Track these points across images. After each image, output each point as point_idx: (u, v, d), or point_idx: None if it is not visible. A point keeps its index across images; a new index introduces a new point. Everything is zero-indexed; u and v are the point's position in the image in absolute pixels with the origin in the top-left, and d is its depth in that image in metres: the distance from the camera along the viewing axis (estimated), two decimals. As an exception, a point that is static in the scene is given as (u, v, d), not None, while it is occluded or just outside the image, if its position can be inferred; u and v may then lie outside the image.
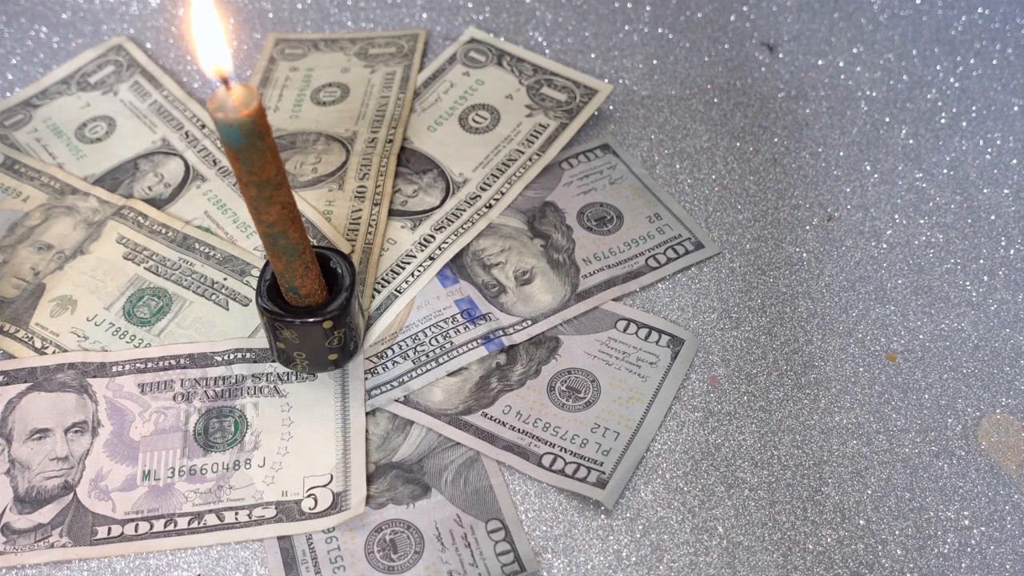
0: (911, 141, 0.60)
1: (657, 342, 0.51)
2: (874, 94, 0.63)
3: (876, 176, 0.59)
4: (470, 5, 0.68)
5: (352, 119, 0.60)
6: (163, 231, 0.54)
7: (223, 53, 0.40)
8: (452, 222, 0.55)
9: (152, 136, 0.60)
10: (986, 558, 0.45)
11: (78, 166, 0.58)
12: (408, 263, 0.53)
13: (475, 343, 0.50)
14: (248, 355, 0.50)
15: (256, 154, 0.38)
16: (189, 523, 0.45)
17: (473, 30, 0.65)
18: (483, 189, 0.56)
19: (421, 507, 0.46)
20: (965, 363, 0.51)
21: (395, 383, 0.49)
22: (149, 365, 0.49)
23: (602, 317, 0.52)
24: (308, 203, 0.55)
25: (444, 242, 0.54)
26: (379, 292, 0.52)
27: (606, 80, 0.63)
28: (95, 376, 0.49)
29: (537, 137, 0.59)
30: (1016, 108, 0.62)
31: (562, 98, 0.61)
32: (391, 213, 0.55)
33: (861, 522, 0.46)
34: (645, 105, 0.62)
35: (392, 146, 0.58)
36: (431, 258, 0.53)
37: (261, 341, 0.50)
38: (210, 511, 0.45)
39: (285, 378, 0.49)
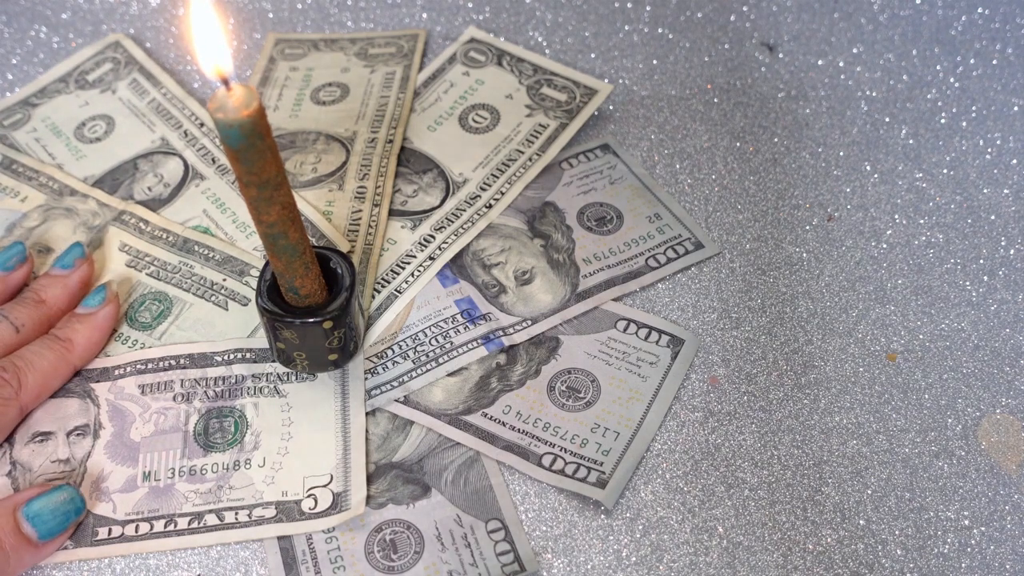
0: (911, 141, 0.60)
1: (657, 342, 0.51)
2: (874, 94, 0.63)
3: (876, 176, 0.59)
4: (470, 5, 0.68)
5: (352, 119, 0.60)
6: (164, 236, 0.54)
7: (223, 53, 0.40)
8: (452, 222, 0.55)
9: (151, 135, 0.60)
10: (986, 558, 0.45)
11: (77, 166, 0.58)
12: (408, 263, 0.53)
13: (475, 343, 0.50)
14: (248, 355, 0.49)
15: (256, 154, 0.38)
16: (189, 523, 0.45)
17: (473, 30, 0.65)
18: (483, 189, 0.56)
19: (421, 507, 0.46)
20: (965, 363, 0.51)
21: (395, 383, 0.49)
22: (149, 366, 0.49)
23: (602, 317, 0.52)
24: (308, 203, 0.55)
25: (444, 242, 0.54)
26: (379, 292, 0.52)
27: (606, 80, 0.63)
28: (98, 381, 0.49)
29: (537, 137, 0.59)
30: (1016, 108, 0.62)
31: (562, 98, 0.61)
32: (391, 213, 0.55)
33: (861, 522, 0.46)
34: (645, 105, 0.62)
35: (392, 146, 0.58)
36: (431, 258, 0.53)
37: (261, 341, 0.50)
38: (210, 511, 0.45)
39: (285, 378, 0.49)
